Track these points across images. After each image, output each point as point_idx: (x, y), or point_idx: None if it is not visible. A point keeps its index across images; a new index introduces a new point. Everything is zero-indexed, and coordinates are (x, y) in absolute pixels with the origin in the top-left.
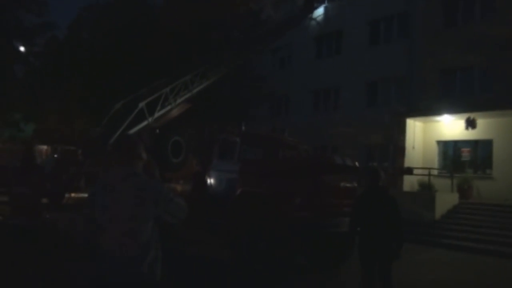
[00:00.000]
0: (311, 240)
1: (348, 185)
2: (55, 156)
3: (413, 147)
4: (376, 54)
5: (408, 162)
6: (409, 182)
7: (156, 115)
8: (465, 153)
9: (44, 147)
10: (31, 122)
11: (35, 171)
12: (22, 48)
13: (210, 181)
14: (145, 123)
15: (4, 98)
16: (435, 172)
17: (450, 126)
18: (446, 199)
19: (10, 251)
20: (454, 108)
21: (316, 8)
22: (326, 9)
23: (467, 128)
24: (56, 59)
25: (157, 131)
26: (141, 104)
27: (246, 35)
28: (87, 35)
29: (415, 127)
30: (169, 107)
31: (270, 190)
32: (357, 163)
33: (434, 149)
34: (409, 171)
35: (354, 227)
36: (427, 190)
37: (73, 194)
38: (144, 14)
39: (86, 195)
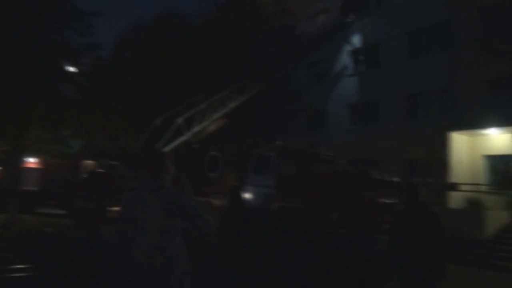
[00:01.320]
0: (349, 257)
1: (386, 201)
2: (101, 171)
3: (458, 162)
4: (416, 66)
5: (453, 177)
6: (455, 199)
7: (194, 130)
8: None
9: (91, 162)
10: (78, 139)
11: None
12: (71, 69)
13: (246, 196)
14: (183, 138)
15: (54, 116)
16: (483, 188)
17: (499, 139)
18: (496, 217)
19: (60, 262)
20: (502, 120)
21: (351, 21)
22: (362, 21)
23: None
24: (101, 78)
25: (195, 146)
26: (179, 120)
27: (282, 51)
28: (130, 55)
29: (459, 141)
30: (206, 123)
31: (307, 205)
32: (396, 179)
33: (481, 164)
34: (454, 187)
35: (393, 245)
36: (474, 207)
37: (116, 208)
38: (184, 34)
39: None
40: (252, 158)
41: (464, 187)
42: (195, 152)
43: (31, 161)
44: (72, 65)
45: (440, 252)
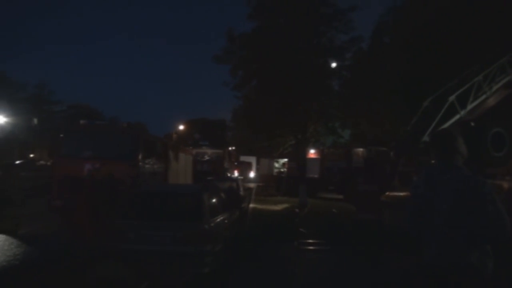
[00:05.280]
0: None
1: None
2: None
3: None
4: None
5: None
6: None
7: (469, 107)
8: None
9: (360, 149)
10: (347, 129)
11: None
12: (334, 64)
13: None
14: (457, 117)
15: (325, 109)
16: None
17: None
18: None
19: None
20: None
21: None
22: None
23: None
24: (362, 69)
25: (472, 124)
26: (451, 98)
27: None
28: (388, 39)
29: None
30: (483, 97)
31: None
32: None
33: None
34: None
35: None
36: None
37: (389, 193)
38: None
39: (400, 193)
40: None
41: None
42: (473, 131)
43: (311, 152)
44: (338, 62)
45: None
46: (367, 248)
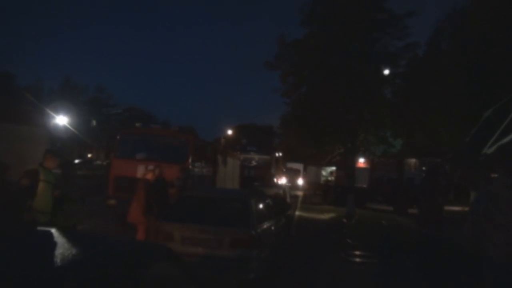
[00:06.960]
0: None
1: None
2: (423, 168)
3: None
4: None
5: None
6: None
7: None
8: None
9: (413, 160)
10: (399, 138)
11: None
12: (386, 71)
13: None
14: None
15: (376, 117)
16: None
17: None
18: None
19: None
20: None
21: None
22: None
23: None
24: (417, 77)
25: None
26: None
27: None
28: (446, 46)
29: None
30: None
31: None
32: None
33: None
34: None
35: None
36: None
37: (444, 207)
38: None
39: (455, 208)
40: None
41: None
42: None
43: (361, 161)
44: (391, 69)
45: None
46: (420, 264)
